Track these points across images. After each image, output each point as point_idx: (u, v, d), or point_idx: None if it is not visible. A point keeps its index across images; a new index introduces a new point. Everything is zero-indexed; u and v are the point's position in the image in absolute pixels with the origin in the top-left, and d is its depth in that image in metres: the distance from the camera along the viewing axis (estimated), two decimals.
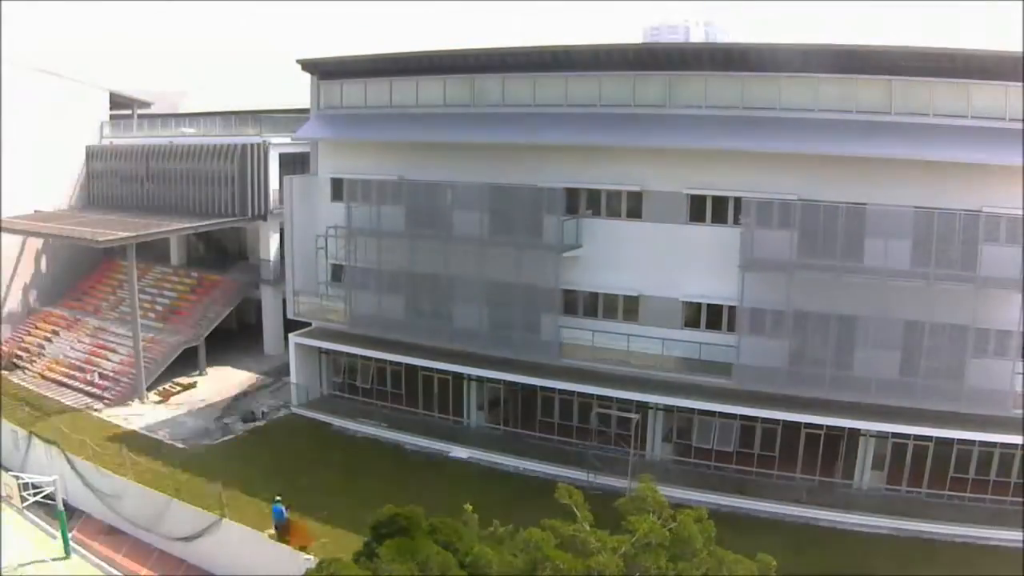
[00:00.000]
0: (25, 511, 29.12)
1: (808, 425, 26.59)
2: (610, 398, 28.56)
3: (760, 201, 25.83)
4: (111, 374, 38.84)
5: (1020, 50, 24.52)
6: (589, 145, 29.36)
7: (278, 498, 25.08)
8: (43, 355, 42.22)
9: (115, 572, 26.66)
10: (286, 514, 24.85)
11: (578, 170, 29.74)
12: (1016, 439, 24.30)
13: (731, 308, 27.33)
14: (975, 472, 25.61)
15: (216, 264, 46.43)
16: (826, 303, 25.21)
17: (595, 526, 17.04)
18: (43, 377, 40.30)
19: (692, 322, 28.86)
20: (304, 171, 37.38)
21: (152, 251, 45.00)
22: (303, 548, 22.95)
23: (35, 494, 28.00)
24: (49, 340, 43.30)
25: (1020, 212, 23.43)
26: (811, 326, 25.58)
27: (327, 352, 35.65)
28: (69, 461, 30.00)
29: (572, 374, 29.36)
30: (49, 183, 47.48)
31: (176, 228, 42.33)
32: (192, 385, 38.71)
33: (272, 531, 24.61)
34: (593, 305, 30.46)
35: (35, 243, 46.21)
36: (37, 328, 44.72)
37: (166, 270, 46.28)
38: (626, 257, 29.27)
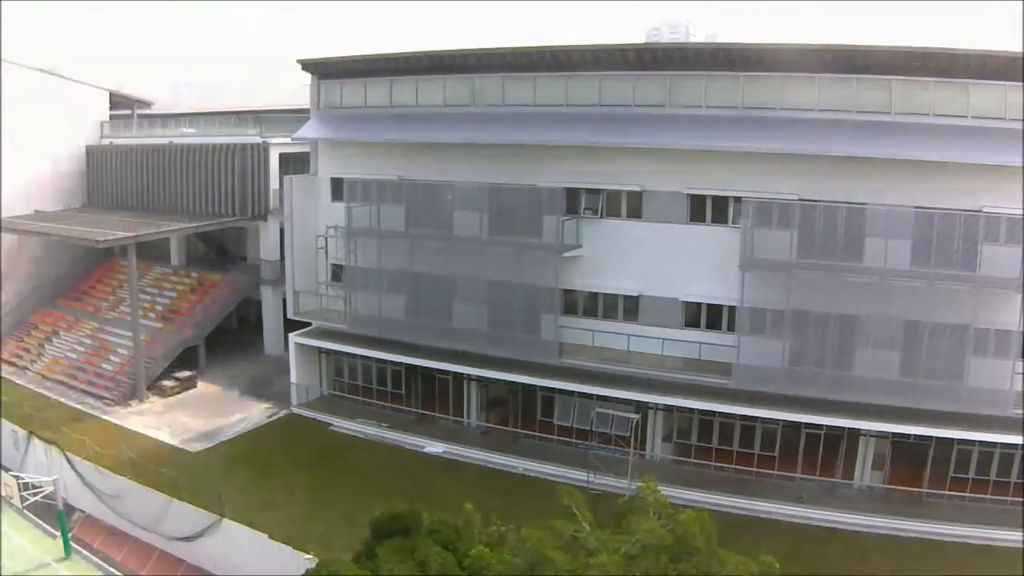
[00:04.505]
0: (25, 511, 29.17)
1: (808, 425, 26.59)
2: (610, 398, 28.55)
3: (760, 201, 25.82)
4: (112, 374, 38.83)
5: (1020, 50, 24.53)
6: (589, 145, 29.33)
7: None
8: (43, 355, 42.22)
9: (115, 572, 26.71)
10: None
11: (578, 170, 29.72)
12: (1016, 439, 24.29)
13: (731, 308, 27.33)
14: (975, 472, 25.61)
15: (216, 264, 46.45)
16: (826, 303, 25.19)
17: (595, 526, 17.03)
18: (43, 377, 40.29)
19: (692, 322, 28.84)
20: (304, 171, 37.36)
21: (152, 251, 44.96)
22: None
23: (35, 494, 28.05)
24: (49, 340, 43.30)
25: (1020, 212, 23.45)
26: (811, 326, 25.55)
27: (327, 352, 35.64)
28: (69, 461, 30.03)
29: (572, 374, 29.34)
30: (49, 183, 47.49)
31: (176, 228, 42.28)
32: (192, 384, 38.67)
33: None
34: (593, 305, 30.45)
35: (35, 243, 46.20)
36: (37, 328, 44.71)
37: (166, 270, 46.27)
38: (626, 257, 29.27)
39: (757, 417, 27.19)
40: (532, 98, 30.87)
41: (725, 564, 16.38)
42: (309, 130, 36.11)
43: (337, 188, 34.65)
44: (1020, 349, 23.97)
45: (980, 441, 24.96)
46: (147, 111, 55.93)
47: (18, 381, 39.84)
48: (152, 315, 42.07)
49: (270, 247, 41.88)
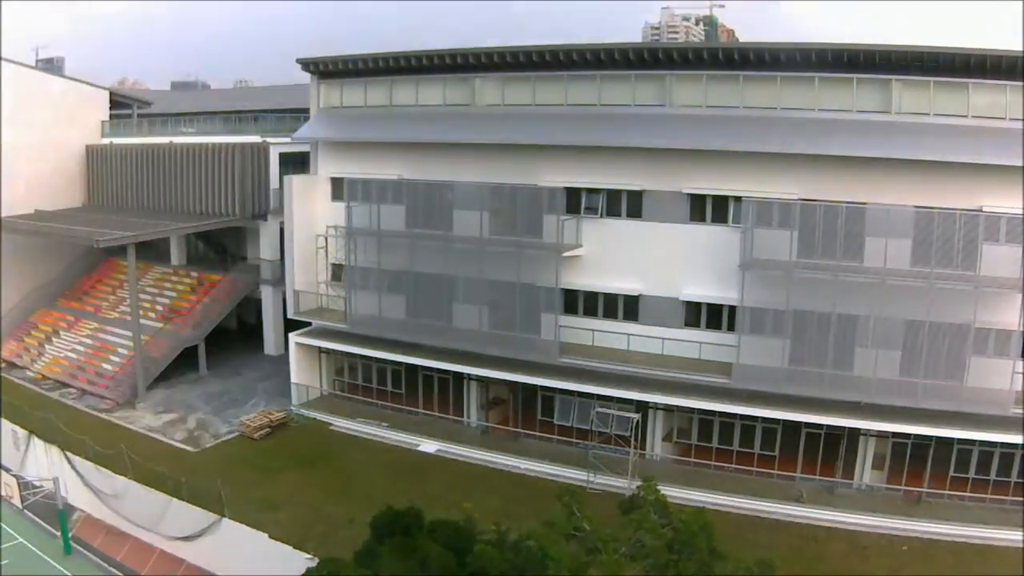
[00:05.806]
0: (25, 511, 29.18)
1: (808, 425, 26.60)
2: (610, 397, 28.56)
3: (760, 201, 25.84)
4: (112, 374, 38.82)
5: (1020, 50, 24.54)
6: (589, 145, 29.35)
7: None
8: (43, 355, 42.22)
9: (115, 572, 26.69)
10: None
11: (578, 170, 29.73)
12: (1016, 439, 24.32)
13: (731, 308, 27.33)
14: (975, 472, 25.62)
15: (216, 264, 46.40)
16: (826, 303, 25.21)
17: (596, 525, 17.05)
18: (43, 377, 40.29)
19: (692, 322, 28.85)
20: (304, 171, 37.36)
21: (152, 251, 44.98)
22: None
23: (35, 494, 28.07)
24: (49, 340, 43.29)
25: (1020, 212, 23.47)
26: (811, 326, 25.56)
27: (327, 352, 35.65)
28: (69, 461, 30.00)
29: (572, 374, 29.35)
30: (49, 183, 47.42)
31: (176, 228, 42.31)
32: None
33: None
34: (593, 305, 30.46)
35: (35, 243, 46.17)
36: (37, 328, 44.70)
37: (166, 270, 46.24)
38: (626, 257, 29.28)
39: (757, 417, 27.21)
40: (532, 98, 30.89)
41: (725, 563, 16.41)
42: (309, 130, 36.12)
43: (337, 188, 34.66)
44: (1020, 349, 24.00)
45: (980, 441, 24.98)
46: (147, 111, 55.92)
47: (18, 381, 39.85)
48: (152, 315, 42.06)
49: (270, 247, 41.86)
